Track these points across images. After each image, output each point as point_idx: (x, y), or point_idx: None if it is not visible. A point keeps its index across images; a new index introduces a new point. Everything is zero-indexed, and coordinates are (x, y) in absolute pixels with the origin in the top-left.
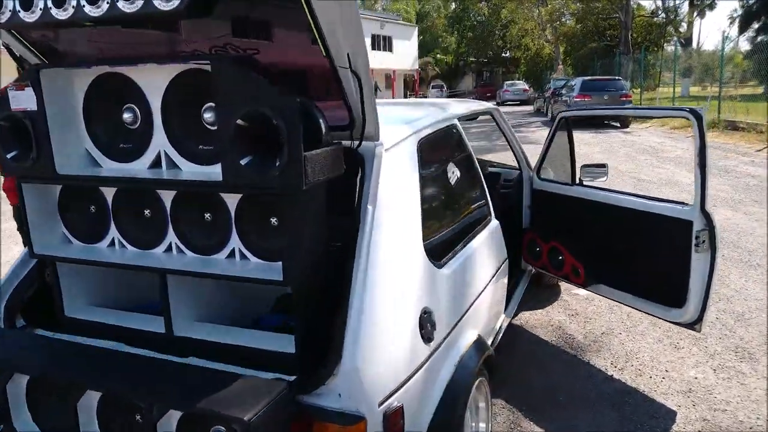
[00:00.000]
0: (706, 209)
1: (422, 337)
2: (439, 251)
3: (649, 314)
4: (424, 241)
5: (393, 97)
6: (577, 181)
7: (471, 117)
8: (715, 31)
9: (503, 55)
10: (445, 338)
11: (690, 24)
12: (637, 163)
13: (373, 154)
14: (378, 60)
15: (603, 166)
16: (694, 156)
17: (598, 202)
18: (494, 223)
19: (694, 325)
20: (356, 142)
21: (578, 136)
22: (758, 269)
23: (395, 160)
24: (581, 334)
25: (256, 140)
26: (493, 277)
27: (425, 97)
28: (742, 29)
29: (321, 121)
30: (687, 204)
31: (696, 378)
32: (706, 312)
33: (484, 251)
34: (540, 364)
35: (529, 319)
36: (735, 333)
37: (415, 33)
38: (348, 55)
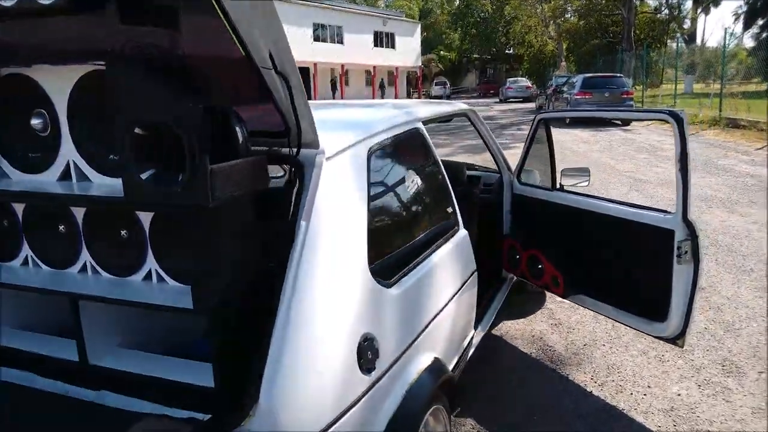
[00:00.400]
0: (689, 218)
1: (361, 367)
2: (389, 269)
3: (630, 327)
4: (371, 259)
5: (396, 95)
6: (558, 186)
7: (441, 119)
8: (720, 27)
9: (506, 51)
10: (391, 366)
11: (694, 20)
12: (636, 162)
13: (312, 163)
14: (381, 57)
15: (585, 170)
16: (675, 161)
17: (578, 208)
18: (461, 233)
19: (677, 340)
20: (295, 151)
21: (577, 134)
22: (752, 275)
23: (338, 170)
24: (563, 345)
25: (162, 151)
26: (457, 292)
27: (428, 94)
28: (747, 26)
29: (238, 128)
30: (669, 212)
31: (679, 395)
32: (689, 327)
33: (447, 265)
34: (517, 379)
35: (510, 329)
36: (723, 344)
37: (418, 29)
38: (270, 54)
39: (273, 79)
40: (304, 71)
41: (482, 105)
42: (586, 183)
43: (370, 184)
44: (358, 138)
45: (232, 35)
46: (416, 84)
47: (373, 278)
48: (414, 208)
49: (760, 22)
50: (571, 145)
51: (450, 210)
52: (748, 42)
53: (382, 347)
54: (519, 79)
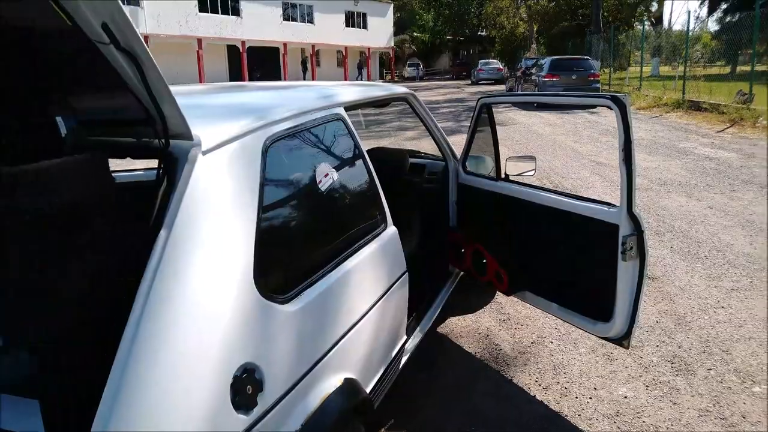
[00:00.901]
0: (634, 212)
1: (236, 405)
2: (285, 282)
3: (576, 327)
4: (259, 272)
5: (368, 77)
6: (503, 175)
7: (372, 104)
8: (686, 11)
9: (479, 33)
10: (282, 397)
11: (661, 3)
12: (599, 144)
13: (185, 158)
14: (353, 37)
15: (530, 158)
16: (619, 150)
17: (521, 200)
18: (389, 231)
19: (622, 340)
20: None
21: (544, 117)
22: (706, 262)
23: (219, 166)
24: (509, 344)
25: None
26: (381, 298)
27: (402, 75)
28: (711, 9)
29: (62, 119)
30: (613, 205)
31: (626, 397)
32: (634, 326)
33: (368, 270)
34: (458, 383)
35: (457, 326)
36: (674, 339)
37: (390, 10)
38: (105, 26)
39: (115, 56)
40: (273, 51)
41: (454, 87)
42: (531, 172)
43: (264, 182)
44: (250, 127)
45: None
46: (389, 65)
47: (260, 295)
48: (325, 209)
49: (724, 6)
50: (537, 128)
51: (375, 207)
52: (713, 26)
53: (270, 377)
54: (491, 61)
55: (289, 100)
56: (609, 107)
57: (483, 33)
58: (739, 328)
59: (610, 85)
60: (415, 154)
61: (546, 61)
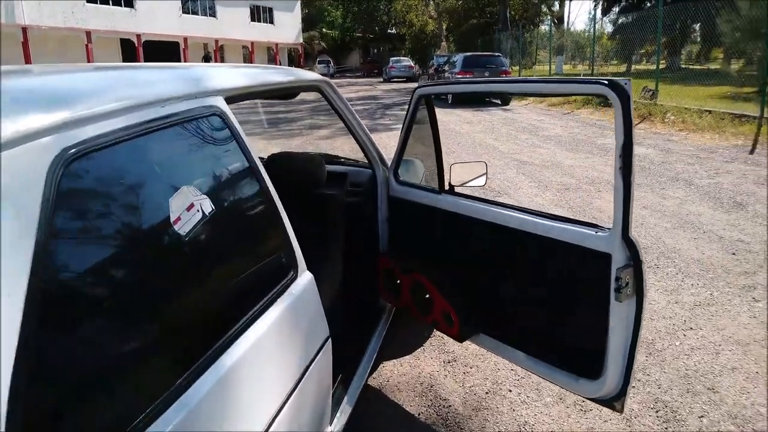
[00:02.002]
0: (631, 236)
1: None
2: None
3: (553, 384)
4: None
5: None
6: (447, 186)
7: (271, 93)
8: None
9: (389, 31)
10: None
11: (562, 3)
12: (518, 142)
13: None
14: (259, 32)
15: (480, 164)
16: (615, 155)
17: (476, 219)
18: (302, 281)
19: (614, 402)
20: None
21: (460, 114)
22: (658, 272)
23: None
24: (460, 396)
25: None
26: (294, 390)
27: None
28: (606, 11)
29: None
30: (602, 228)
31: None
32: (629, 385)
33: (270, 352)
34: None
35: (392, 375)
36: (650, 377)
37: (298, 5)
38: None
39: None
40: (173, 46)
41: (366, 84)
42: (482, 182)
43: (53, 230)
44: (31, 127)
45: None
46: (298, 62)
47: None
48: (188, 266)
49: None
50: (455, 126)
51: (278, 246)
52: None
53: None
54: (402, 58)
55: (126, 83)
56: (605, 96)
57: (393, 31)
58: (717, 356)
59: None
60: (332, 159)
61: (458, 58)
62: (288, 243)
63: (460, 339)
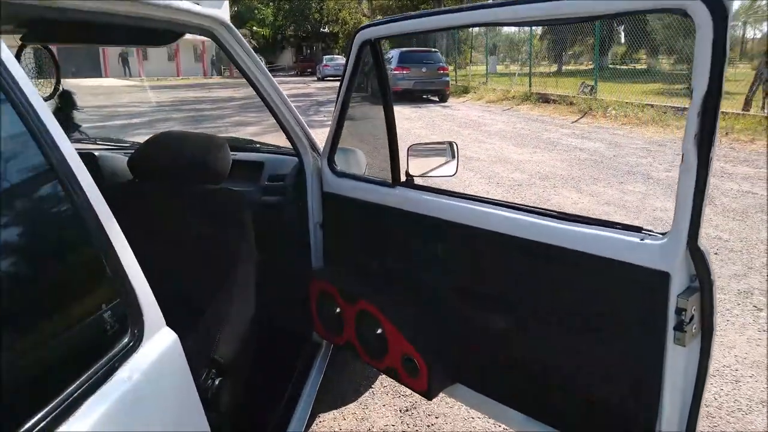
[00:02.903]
0: (700, 245)
1: None
2: None
3: None
4: None
5: (204, 73)
6: (405, 177)
7: (110, 32)
8: None
9: (322, 30)
10: None
11: None
12: (462, 137)
13: None
14: None
15: (446, 146)
16: (690, 116)
17: (452, 224)
18: (153, 350)
19: None
20: None
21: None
22: None
23: None
24: None
25: None
26: None
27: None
28: None
29: None
30: (653, 233)
31: None
32: None
33: None
34: None
35: (333, 430)
36: None
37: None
38: None
39: None
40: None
41: (299, 83)
42: (450, 170)
43: None
44: None
45: None
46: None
47: None
48: None
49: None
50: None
51: (103, 294)
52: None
53: None
54: (336, 56)
55: None
56: (687, 15)
57: (326, 30)
58: (738, 385)
59: (456, 81)
60: (243, 145)
61: (394, 54)
62: (124, 287)
63: (429, 395)
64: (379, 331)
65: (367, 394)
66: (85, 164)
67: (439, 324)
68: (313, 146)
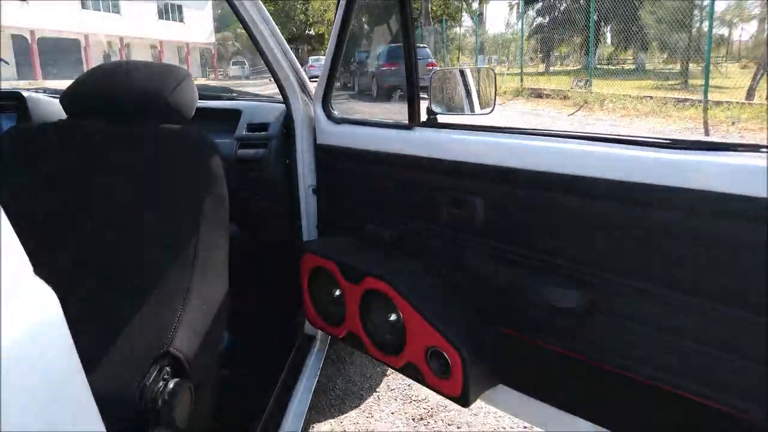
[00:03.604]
0: None
1: None
2: None
3: None
4: None
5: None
6: (428, 115)
7: None
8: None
9: (308, 32)
10: None
11: (482, 2)
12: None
13: None
14: (168, 31)
15: (482, 73)
16: None
17: (501, 170)
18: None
19: None
20: None
21: (386, 107)
22: None
23: None
24: None
25: None
26: None
27: (226, 74)
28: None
29: None
30: None
31: None
32: None
33: None
34: None
35: None
36: None
37: (209, 4)
38: None
39: None
40: (74, 43)
41: None
42: (486, 109)
43: None
44: None
45: None
46: (212, 62)
47: None
48: None
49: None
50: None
51: None
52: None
53: None
54: (321, 57)
55: None
56: None
57: (312, 32)
58: None
59: None
60: (217, 93)
61: (383, 50)
62: None
63: (465, 401)
64: (394, 317)
65: (371, 399)
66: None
67: (476, 306)
68: (305, 88)
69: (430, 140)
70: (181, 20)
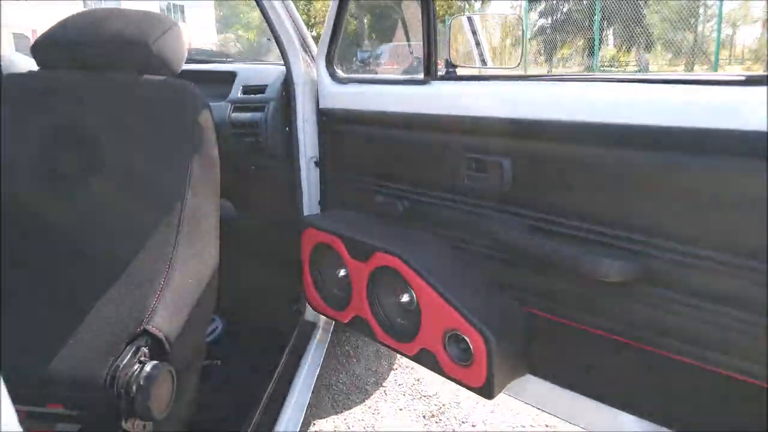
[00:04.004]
0: None
1: None
2: None
3: None
4: None
5: None
6: (447, 67)
7: None
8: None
9: (312, 33)
10: None
11: (484, 2)
12: None
13: None
14: None
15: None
16: None
17: (534, 124)
18: None
19: None
20: None
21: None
22: None
23: None
24: None
25: None
26: None
27: None
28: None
29: None
30: None
31: None
32: None
33: None
34: None
35: None
36: None
37: (212, 4)
38: None
39: None
40: None
41: None
42: (513, 60)
43: None
44: None
45: None
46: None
47: None
48: None
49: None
50: None
51: None
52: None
53: None
54: None
55: None
56: None
57: (314, 32)
58: None
59: None
60: (211, 58)
61: (383, 49)
62: None
63: (489, 391)
64: (406, 297)
65: (377, 394)
66: None
67: (502, 284)
68: (307, 48)
69: (450, 95)
70: (183, 20)
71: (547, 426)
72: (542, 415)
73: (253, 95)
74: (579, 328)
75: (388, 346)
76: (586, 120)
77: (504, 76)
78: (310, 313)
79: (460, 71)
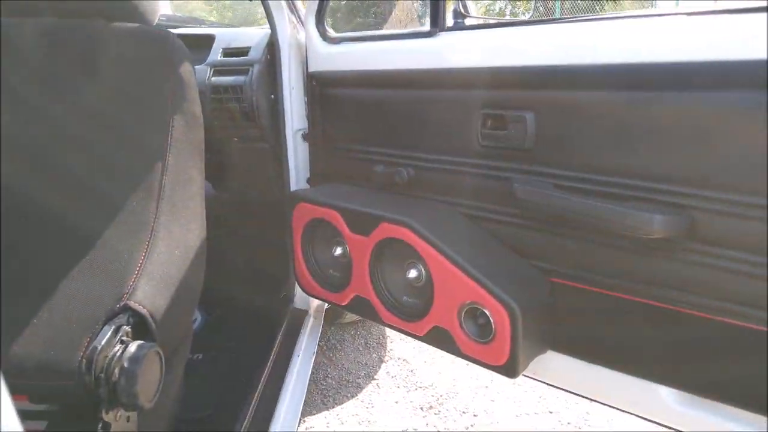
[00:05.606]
0: None
1: None
2: None
3: None
4: None
5: None
6: (458, 16)
7: None
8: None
9: None
10: None
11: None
12: None
13: None
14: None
15: None
16: None
17: (560, 69)
18: None
19: None
20: None
21: None
22: None
23: None
24: None
25: None
26: None
27: None
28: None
29: None
30: None
31: None
32: None
33: None
34: None
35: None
36: None
37: (168, 7)
38: None
39: None
40: None
41: None
42: (527, 15)
43: None
44: None
45: None
46: None
47: None
48: None
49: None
50: None
51: None
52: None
53: None
54: None
55: None
56: None
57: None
58: None
59: None
60: (186, 23)
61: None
62: None
63: (513, 370)
64: (414, 273)
65: (369, 387)
66: None
67: (522, 251)
68: (294, 8)
69: (460, 45)
70: None
71: (550, 412)
72: (544, 401)
73: (235, 58)
74: (612, 296)
75: (394, 327)
76: (623, 61)
77: (523, 21)
78: (299, 301)
79: (469, 23)
